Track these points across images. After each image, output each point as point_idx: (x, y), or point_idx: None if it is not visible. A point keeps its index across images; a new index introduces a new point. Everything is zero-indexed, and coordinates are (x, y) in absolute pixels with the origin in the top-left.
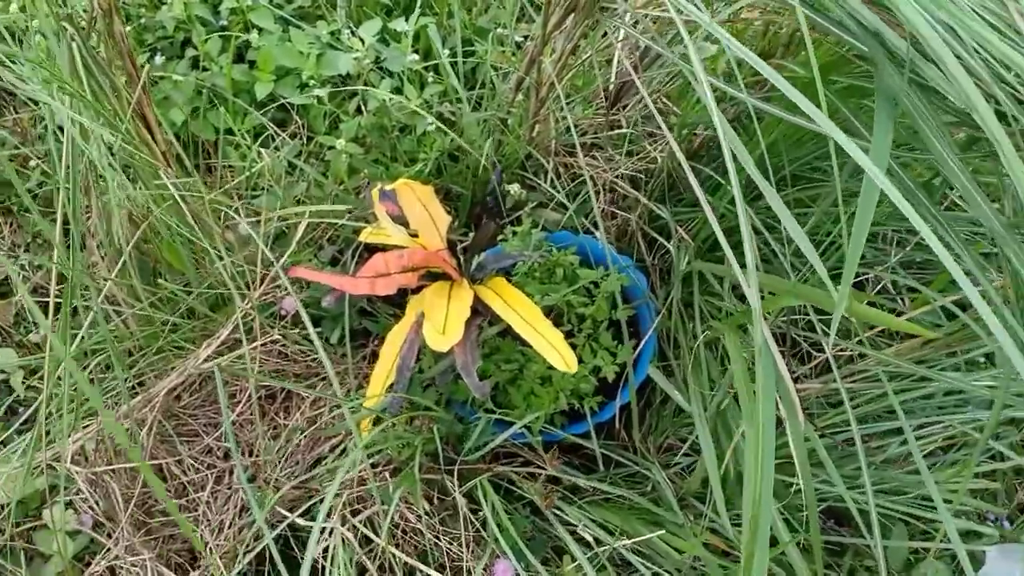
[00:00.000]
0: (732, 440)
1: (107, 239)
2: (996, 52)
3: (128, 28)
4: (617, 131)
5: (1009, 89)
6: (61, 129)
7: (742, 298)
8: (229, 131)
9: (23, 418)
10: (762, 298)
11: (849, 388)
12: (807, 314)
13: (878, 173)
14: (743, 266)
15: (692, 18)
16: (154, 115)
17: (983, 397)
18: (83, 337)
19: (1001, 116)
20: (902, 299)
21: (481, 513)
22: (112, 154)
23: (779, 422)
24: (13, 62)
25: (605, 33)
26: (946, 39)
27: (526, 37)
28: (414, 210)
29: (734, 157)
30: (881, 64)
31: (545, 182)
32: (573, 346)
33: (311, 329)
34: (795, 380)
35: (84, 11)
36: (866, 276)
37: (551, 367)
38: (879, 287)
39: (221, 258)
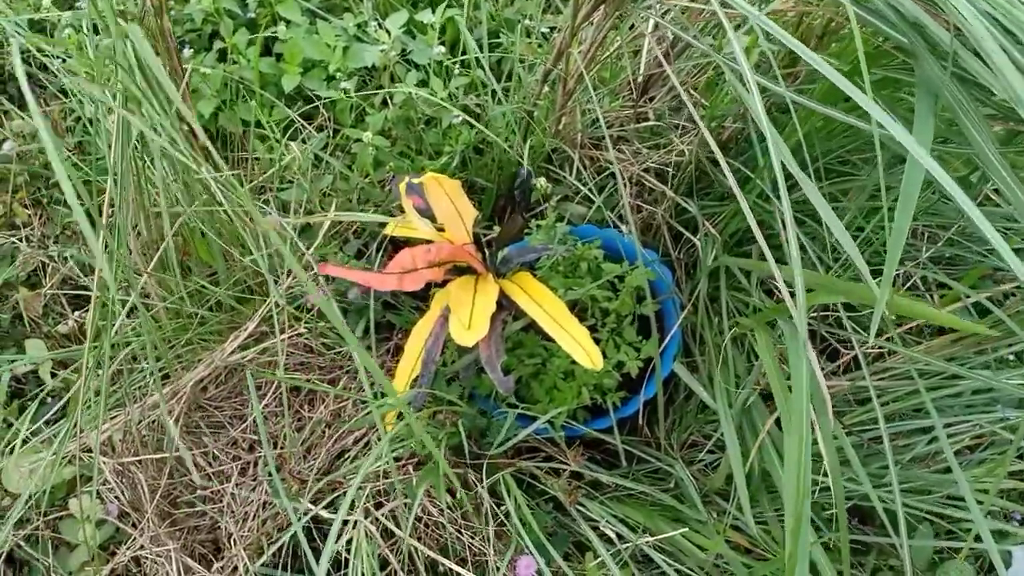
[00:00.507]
0: (757, 438)
1: (147, 233)
2: None
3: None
4: (644, 123)
5: None
6: (90, 122)
7: (769, 293)
8: (257, 124)
9: (53, 409)
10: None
11: (877, 386)
12: (836, 311)
13: (923, 154)
14: (778, 261)
15: (734, 10)
16: (193, 110)
17: (1013, 395)
18: (117, 330)
19: None
20: (931, 295)
21: (503, 508)
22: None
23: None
24: (46, 55)
25: (633, 25)
26: (991, 30)
27: (553, 28)
28: (441, 204)
29: (762, 150)
30: (922, 56)
31: (571, 175)
32: (596, 340)
33: (339, 319)
34: (824, 377)
35: (135, 6)
36: (897, 272)
37: (574, 362)
38: (909, 283)
39: (256, 250)
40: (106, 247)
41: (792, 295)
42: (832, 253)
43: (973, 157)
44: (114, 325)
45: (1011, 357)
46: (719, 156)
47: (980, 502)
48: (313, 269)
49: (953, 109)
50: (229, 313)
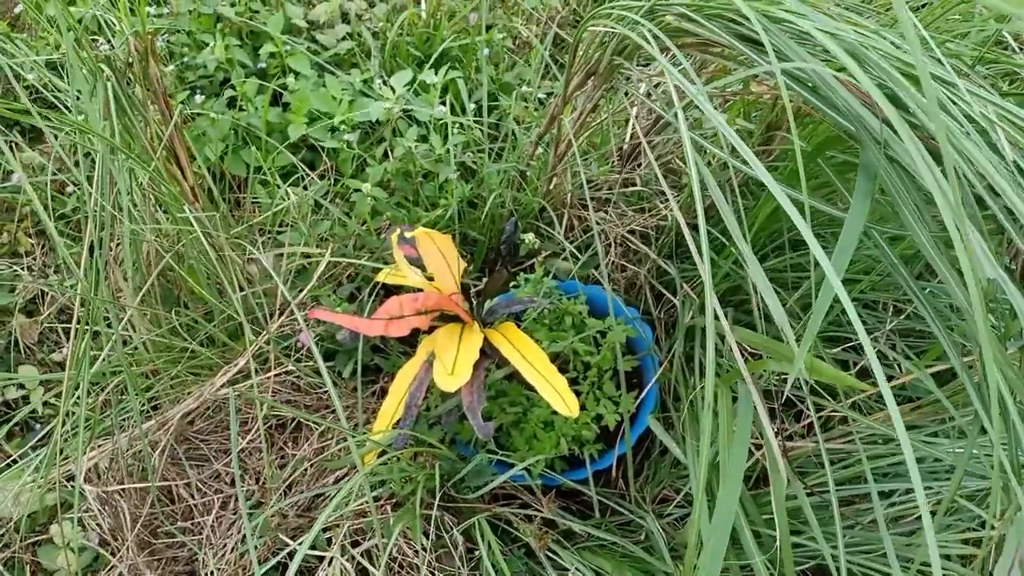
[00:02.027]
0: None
1: (133, 267)
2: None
3: (171, 66)
4: (631, 188)
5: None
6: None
7: (751, 355)
8: (260, 168)
9: (40, 435)
10: (755, 356)
11: (840, 449)
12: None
13: (834, 275)
14: (746, 325)
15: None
16: (185, 151)
17: (972, 466)
18: (105, 359)
19: (979, 200)
20: (899, 366)
21: (477, 552)
22: (141, 188)
23: (767, 478)
24: (55, 91)
25: (627, 92)
26: (920, 123)
27: (549, 94)
28: (431, 255)
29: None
30: (866, 143)
31: (559, 233)
32: (577, 393)
33: (320, 364)
34: (788, 438)
35: (121, 53)
36: (860, 342)
37: (554, 412)
38: (875, 351)
39: (241, 289)
40: (97, 280)
41: (745, 359)
42: (799, 319)
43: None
44: (99, 355)
45: (971, 427)
46: (685, 229)
47: (928, 565)
48: (305, 310)
49: (891, 192)
50: (220, 349)
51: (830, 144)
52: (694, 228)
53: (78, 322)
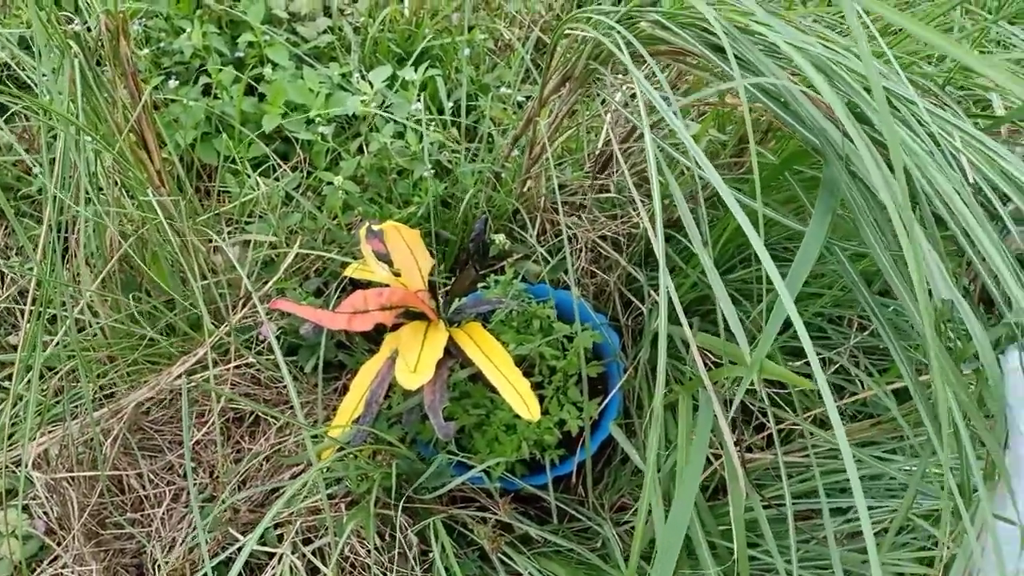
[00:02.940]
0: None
1: (97, 252)
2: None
3: (146, 50)
4: (604, 194)
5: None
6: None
7: (713, 364)
8: (231, 158)
9: None
10: (717, 364)
11: (799, 462)
12: (765, 387)
13: (787, 297)
14: (714, 333)
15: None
16: (154, 135)
17: (933, 485)
18: (58, 343)
19: (939, 220)
20: (860, 382)
21: (431, 554)
22: (106, 171)
23: (724, 489)
24: (23, 69)
25: (604, 100)
26: (884, 140)
27: (528, 98)
28: (399, 251)
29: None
30: (829, 158)
31: (531, 236)
32: (541, 397)
33: (280, 357)
34: (748, 450)
35: (91, 30)
36: (824, 356)
37: (517, 416)
38: (837, 367)
39: (204, 278)
40: (54, 263)
41: (708, 367)
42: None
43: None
44: (53, 339)
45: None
46: (653, 239)
47: None
48: (260, 306)
49: (851, 207)
50: (180, 338)
51: (798, 159)
52: (666, 236)
53: (33, 303)
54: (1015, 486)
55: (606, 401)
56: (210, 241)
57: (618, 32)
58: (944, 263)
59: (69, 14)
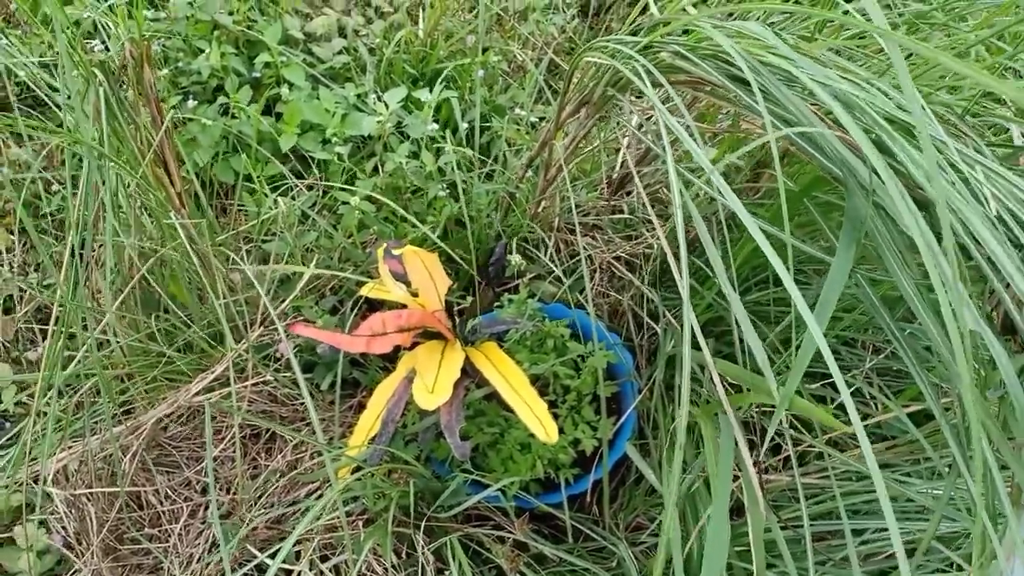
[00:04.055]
0: (698, 523)
1: (115, 270)
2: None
3: (164, 71)
4: (618, 215)
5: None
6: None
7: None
8: (248, 177)
9: (8, 434)
10: (738, 388)
11: (814, 484)
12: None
13: (814, 324)
14: (727, 356)
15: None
16: (174, 158)
17: (950, 506)
18: (80, 361)
19: (961, 248)
20: (876, 404)
21: (447, 572)
22: (128, 192)
23: (739, 510)
24: (47, 90)
25: (619, 123)
26: (903, 170)
27: (541, 119)
28: (417, 272)
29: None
30: (852, 188)
31: (545, 256)
32: (556, 416)
33: (299, 376)
34: (765, 471)
35: (116, 56)
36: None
37: (532, 435)
38: (852, 389)
39: (223, 297)
40: (76, 282)
41: (727, 390)
42: (779, 353)
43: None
44: (75, 356)
45: (947, 468)
46: (671, 259)
47: None
48: (287, 320)
49: (875, 237)
50: (197, 355)
51: (816, 185)
52: (679, 258)
53: (55, 322)
54: None
55: (621, 421)
56: (228, 260)
57: (638, 61)
58: (967, 288)
59: (90, 32)
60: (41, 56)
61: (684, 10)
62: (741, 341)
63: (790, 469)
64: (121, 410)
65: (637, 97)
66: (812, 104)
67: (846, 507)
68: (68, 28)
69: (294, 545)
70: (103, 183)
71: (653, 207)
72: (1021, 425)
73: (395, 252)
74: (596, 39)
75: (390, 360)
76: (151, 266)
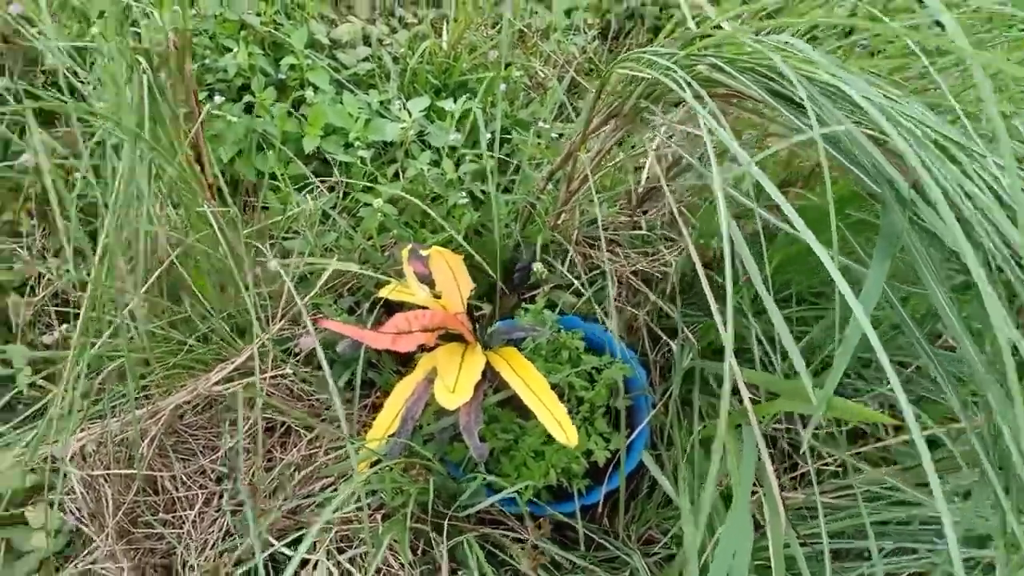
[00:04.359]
0: (714, 535)
1: (145, 257)
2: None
3: (193, 66)
4: (637, 231)
5: (998, 242)
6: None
7: (741, 401)
8: (272, 175)
9: (24, 415)
10: (757, 401)
11: (829, 503)
12: (795, 425)
13: (860, 312)
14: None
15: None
16: (207, 150)
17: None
18: (103, 344)
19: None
20: (885, 428)
21: (461, 573)
22: (160, 181)
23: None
24: (80, 80)
25: (652, 134)
26: (943, 184)
27: (560, 135)
28: (442, 274)
29: (734, 273)
30: (889, 204)
31: (563, 267)
32: None
33: (325, 367)
34: (781, 488)
35: (158, 45)
36: (862, 399)
37: (545, 443)
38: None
39: (247, 288)
40: (110, 267)
41: (753, 401)
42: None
43: (929, 298)
44: (97, 340)
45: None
46: (700, 272)
47: None
48: (307, 315)
49: (911, 253)
50: (216, 345)
51: (846, 202)
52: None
53: (88, 307)
54: None
55: (635, 434)
56: (253, 253)
57: (676, 73)
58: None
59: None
60: (73, 42)
61: (719, 26)
62: (762, 359)
63: (804, 487)
64: (140, 396)
65: (677, 105)
66: (855, 121)
67: (856, 527)
68: (114, 15)
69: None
70: (140, 168)
71: (672, 225)
72: None
73: (422, 253)
74: (631, 51)
75: (403, 364)
76: (175, 256)
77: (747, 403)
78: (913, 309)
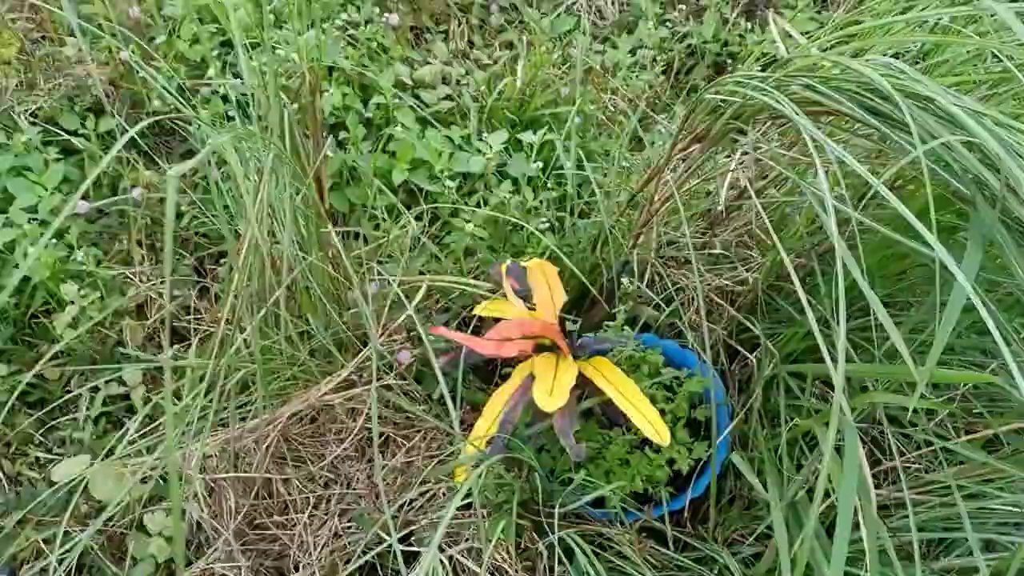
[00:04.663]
0: (801, 532)
1: (259, 279)
2: None
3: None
4: (713, 251)
5: None
6: (216, 182)
7: (822, 399)
8: (363, 205)
9: (133, 427)
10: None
11: (915, 499)
12: (881, 424)
13: (966, 282)
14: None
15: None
16: (326, 181)
17: None
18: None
19: None
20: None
21: (562, 570)
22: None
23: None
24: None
25: (740, 152)
26: None
27: (627, 165)
28: (539, 285)
29: (824, 280)
30: (980, 204)
31: (643, 284)
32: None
33: (440, 377)
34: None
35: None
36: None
37: (630, 451)
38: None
39: (354, 306)
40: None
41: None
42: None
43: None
44: (221, 356)
45: None
46: (795, 281)
47: None
48: (401, 338)
49: (1001, 247)
50: (323, 360)
51: (926, 210)
52: (775, 290)
53: (225, 318)
54: None
55: (718, 441)
56: (362, 275)
57: (772, 93)
58: None
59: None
60: (177, 84)
61: (809, 52)
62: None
63: (894, 484)
64: (241, 407)
65: (742, 133)
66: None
67: (930, 520)
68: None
69: (413, 534)
70: (283, 193)
71: (746, 245)
72: None
73: (522, 265)
74: (722, 77)
75: (487, 382)
76: (292, 279)
77: (840, 397)
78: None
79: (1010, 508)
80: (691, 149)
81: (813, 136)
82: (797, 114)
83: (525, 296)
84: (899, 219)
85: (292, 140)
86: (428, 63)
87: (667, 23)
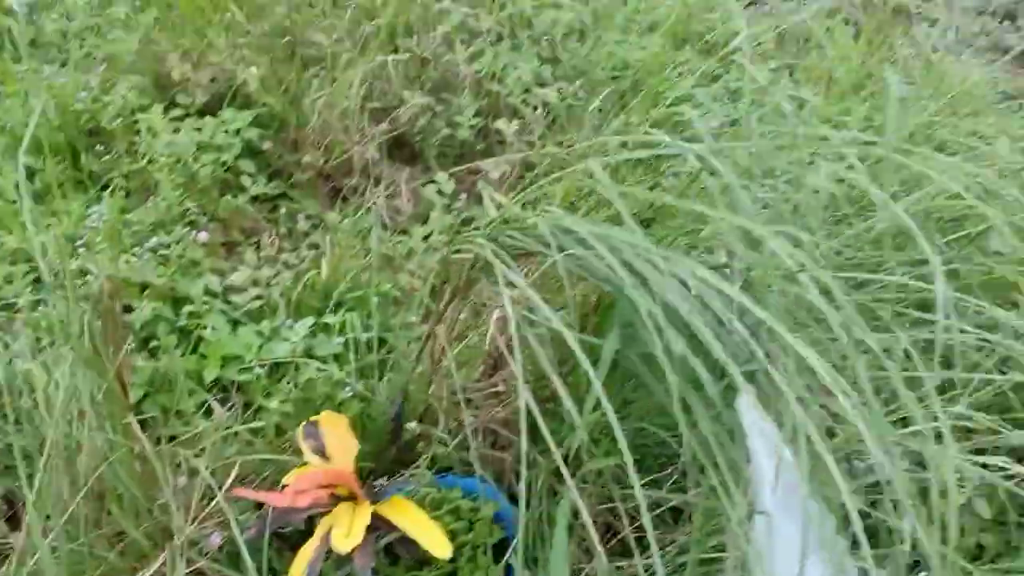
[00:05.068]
0: None
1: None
2: None
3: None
4: (492, 388)
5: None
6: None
7: None
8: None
9: None
10: None
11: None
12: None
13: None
14: None
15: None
16: (129, 381)
17: None
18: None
19: None
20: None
21: None
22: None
23: None
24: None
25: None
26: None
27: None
28: (332, 436)
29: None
30: (620, 294)
31: (439, 427)
32: (457, 570)
33: (244, 550)
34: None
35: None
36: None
37: None
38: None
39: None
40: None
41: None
42: None
43: None
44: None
45: None
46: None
47: None
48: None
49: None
50: (134, 557)
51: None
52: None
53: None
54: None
55: (507, 555)
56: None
57: (487, 246)
58: None
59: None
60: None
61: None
62: None
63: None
64: None
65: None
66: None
67: None
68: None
69: None
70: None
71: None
72: None
73: (312, 422)
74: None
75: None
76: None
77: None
78: None
79: None
80: (453, 301)
81: (504, 273)
82: (497, 256)
83: (323, 452)
84: None
85: (92, 342)
86: (237, 270)
87: (454, 211)
